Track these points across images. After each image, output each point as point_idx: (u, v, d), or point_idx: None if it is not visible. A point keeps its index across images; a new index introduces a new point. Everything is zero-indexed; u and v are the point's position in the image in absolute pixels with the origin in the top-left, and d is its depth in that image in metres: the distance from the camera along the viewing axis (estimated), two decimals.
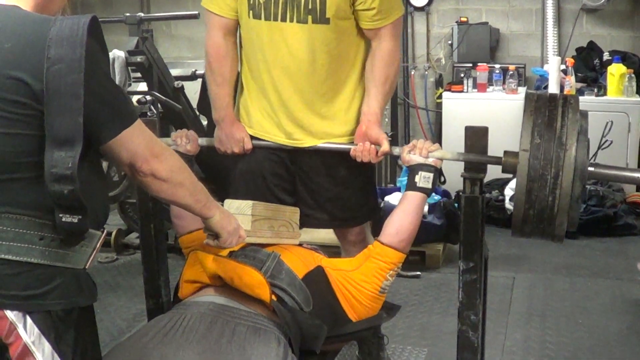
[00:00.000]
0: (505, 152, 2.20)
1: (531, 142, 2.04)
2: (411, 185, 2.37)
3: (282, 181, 2.74)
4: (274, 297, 2.13)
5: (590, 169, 2.09)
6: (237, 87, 2.77)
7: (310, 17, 2.48)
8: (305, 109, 2.61)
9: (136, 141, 1.66)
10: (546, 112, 2.07)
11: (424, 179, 2.35)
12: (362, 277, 2.32)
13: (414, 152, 2.37)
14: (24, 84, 1.53)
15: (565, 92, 5.21)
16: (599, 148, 2.18)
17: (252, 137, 2.69)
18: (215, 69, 2.65)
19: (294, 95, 2.60)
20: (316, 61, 2.54)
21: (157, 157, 1.70)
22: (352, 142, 2.61)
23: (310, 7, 2.47)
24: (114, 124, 1.63)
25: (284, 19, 2.49)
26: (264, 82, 2.62)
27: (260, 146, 2.69)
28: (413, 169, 2.37)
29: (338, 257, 2.90)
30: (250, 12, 2.53)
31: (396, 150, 2.48)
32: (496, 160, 2.23)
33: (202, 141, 2.64)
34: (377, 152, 2.51)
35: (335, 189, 2.72)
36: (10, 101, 1.54)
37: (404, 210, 2.36)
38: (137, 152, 1.66)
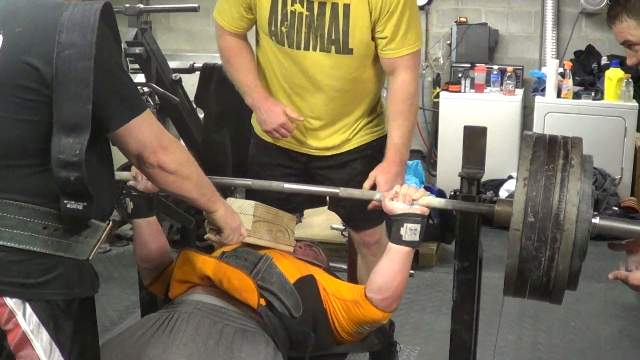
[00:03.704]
0: (499, 201, 2.06)
1: (524, 221, 1.82)
2: (396, 239, 2.14)
3: (294, 171, 2.76)
4: (262, 301, 2.11)
5: (595, 221, 1.88)
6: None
7: (333, 47, 2.48)
8: (320, 126, 2.65)
9: (145, 131, 1.65)
10: (542, 180, 1.84)
11: (410, 232, 2.12)
12: (342, 312, 2.21)
13: (397, 200, 2.16)
14: (34, 69, 1.52)
15: (563, 95, 5.23)
16: (604, 203, 2.02)
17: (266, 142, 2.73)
18: (235, 62, 2.64)
19: (310, 115, 2.63)
20: (336, 88, 2.56)
21: (165, 148, 1.68)
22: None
23: (333, 37, 2.46)
24: (123, 112, 1.61)
25: (307, 48, 2.49)
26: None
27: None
28: (398, 221, 2.14)
29: (334, 255, 2.90)
30: (273, 37, 2.52)
31: (377, 196, 2.27)
32: (488, 209, 2.09)
33: None
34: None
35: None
36: (19, 86, 1.53)
37: (387, 268, 2.15)
38: (145, 142, 1.65)
